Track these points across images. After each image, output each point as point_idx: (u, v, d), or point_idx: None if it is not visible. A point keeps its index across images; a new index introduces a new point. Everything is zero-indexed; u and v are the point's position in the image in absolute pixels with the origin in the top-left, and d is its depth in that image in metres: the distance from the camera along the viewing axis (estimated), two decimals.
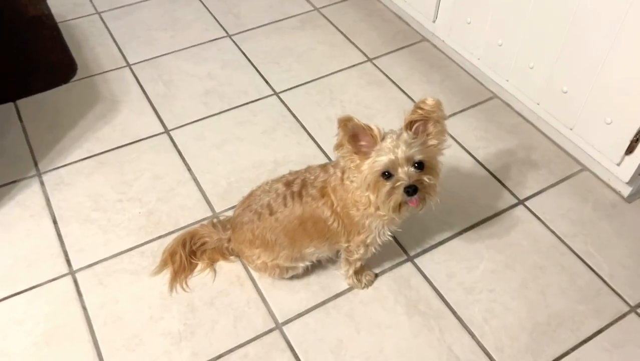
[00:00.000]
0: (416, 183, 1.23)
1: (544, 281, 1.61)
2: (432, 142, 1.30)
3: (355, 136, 1.27)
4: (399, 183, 1.24)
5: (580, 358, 1.46)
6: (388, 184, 1.25)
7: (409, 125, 1.28)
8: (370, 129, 1.26)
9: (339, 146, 1.29)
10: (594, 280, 1.61)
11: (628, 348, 1.47)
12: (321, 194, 1.41)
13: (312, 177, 1.45)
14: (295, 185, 1.45)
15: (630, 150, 1.62)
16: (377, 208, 1.34)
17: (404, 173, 1.24)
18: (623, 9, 1.48)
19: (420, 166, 1.26)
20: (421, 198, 1.26)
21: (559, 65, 1.73)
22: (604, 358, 1.45)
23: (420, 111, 1.26)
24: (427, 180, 1.26)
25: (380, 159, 1.24)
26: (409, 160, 1.24)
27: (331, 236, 1.45)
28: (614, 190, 1.83)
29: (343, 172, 1.38)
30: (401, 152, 1.23)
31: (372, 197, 1.30)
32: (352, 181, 1.35)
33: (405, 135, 1.26)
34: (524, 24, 1.80)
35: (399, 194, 1.24)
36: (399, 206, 1.28)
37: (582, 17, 1.60)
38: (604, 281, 1.61)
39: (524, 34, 1.81)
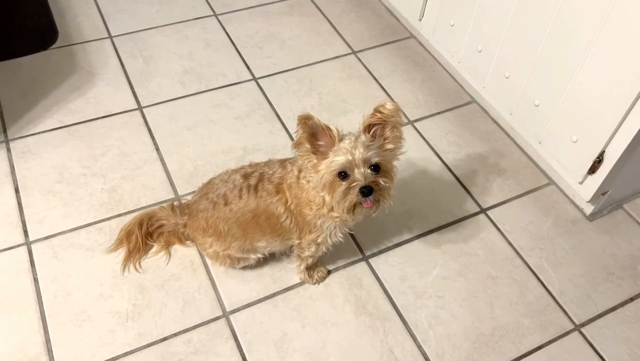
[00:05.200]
0: (371, 184, 1.25)
1: (493, 293, 1.63)
2: (389, 146, 1.31)
3: (314, 135, 1.28)
4: (354, 184, 1.25)
5: None
6: (344, 184, 1.26)
7: (367, 128, 1.29)
8: (329, 129, 1.26)
9: (297, 144, 1.29)
10: (543, 296, 1.63)
11: None
12: (277, 190, 1.42)
13: (270, 172, 1.45)
14: (253, 178, 1.45)
15: (592, 170, 1.63)
16: (331, 209, 1.35)
17: (360, 174, 1.24)
18: (596, 29, 1.46)
19: (376, 168, 1.27)
20: (375, 200, 1.28)
21: (533, 78, 1.72)
22: None
23: (378, 115, 1.27)
24: (382, 182, 1.27)
25: (337, 159, 1.25)
26: (366, 162, 1.25)
27: (283, 232, 1.46)
28: (577, 207, 1.84)
29: (300, 171, 1.39)
30: (359, 153, 1.24)
31: (328, 197, 1.31)
32: (308, 181, 1.35)
33: (363, 137, 1.27)
34: (503, 33, 1.78)
35: (354, 195, 1.25)
36: (354, 207, 1.29)
37: (558, 33, 1.59)
38: (553, 298, 1.63)
39: (502, 43, 1.80)
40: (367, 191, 1.24)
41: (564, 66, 1.59)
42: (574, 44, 1.54)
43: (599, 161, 1.60)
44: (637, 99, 1.43)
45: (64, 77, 2.08)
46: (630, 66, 1.41)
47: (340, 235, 1.45)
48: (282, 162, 1.46)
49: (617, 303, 1.63)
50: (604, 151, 1.57)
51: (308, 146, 1.27)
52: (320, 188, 1.31)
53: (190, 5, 2.45)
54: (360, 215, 1.38)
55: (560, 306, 1.61)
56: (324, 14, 2.47)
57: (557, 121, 1.69)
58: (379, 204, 1.30)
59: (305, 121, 1.24)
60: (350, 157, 1.24)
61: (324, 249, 1.49)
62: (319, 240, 1.44)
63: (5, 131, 1.89)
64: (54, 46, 2.19)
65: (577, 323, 1.58)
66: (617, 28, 1.42)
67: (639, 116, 1.45)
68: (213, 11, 2.43)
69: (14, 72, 2.08)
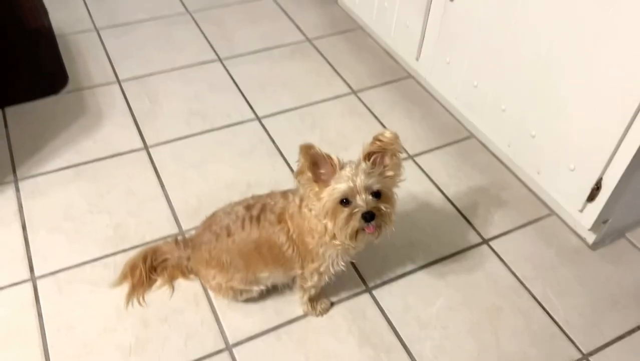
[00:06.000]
0: (373, 210, 1.27)
1: (498, 323, 1.61)
2: (389, 173, 1.33)
3: (316, 163, 1.31)
4: (356, 210, 1.27)
5: None
6: (346, 211, 1.28)
7: (367, 156, 1.32)
8: (330, 158, 1.30)
9: (299, 173, 1.32)
10: (549, 325, 1.61)
11: None
12: (279, 220, 1.44)
13: (272, 203, 1.47)
14: (255, 209, 1.47)
15: (591, 197, 1.64)
16: (333, 237, 1.36)
17: (362, 200, 1.27)
18: (587, 62, 1.52)
19: (377, 195, 1.29)
20: (377, 225, 1.29)
21: (528, 110, 1.77)
22: None
23: (378, 143, 1.30)
24: (383, 208, 1.29)
25: (339, 186, 1.28)
26: (367, 188, 1.27)
27: (285, 262, 1.47)
28: (579, 236, 1.84)
29: (301, 200, 1.41)
30: (360, 180, 1.26)
31: (330, 225, 1.32)
32: (310, 209, 1.37)
33: (363, 165, 1.30)
34: (498, 68, 1.84)
35: (357, 220, 1.27)
36: (356, 233, 1.31)
37: (549, 65, 1.64)
38: (559, 327, 1.61)
39: (497, 77, 1.86)
40: (369, 216, 1.26)
41: (556, 96, 1.64)
42: (566, 72, 1.59)
43: (597, 188, 1.61)
44: (630, 126, 1.46)
45: (73, 119, 2.15)
46: (621, 94, 1.45)
47: (343, 264, 1.45)
48: (284, 193, 1.49)
49: (624, 331, 1.61)
50: (601, 178, 1.60)
51: (310, 174, 1.30)
52: (322, 215, 1.33)
53: (196, 52, 2.54)
54: (363, 242, 1.39)
55: (567, 336, 1.59)
56: (324, 57, 2.56)
57: (554, 150, 1.72)
58: (381, 230, 1.32)
59: (307, 150, 1.27)
60: (351, 185, 1.27)
61: (327, 279, 1.50)
62: (322, 269, 1.45)
63: (14, 171, 1.94)
64: (64, 90, 2.27)
65: (585, 352, 1.56)
66: (607, 58, 1.47)
67: (633, 142, 1.48)
68: (218, 56, 2.52)
69: (25, 115, 2.15)
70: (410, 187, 1.98)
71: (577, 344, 1.57)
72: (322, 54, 2.58)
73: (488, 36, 1.84)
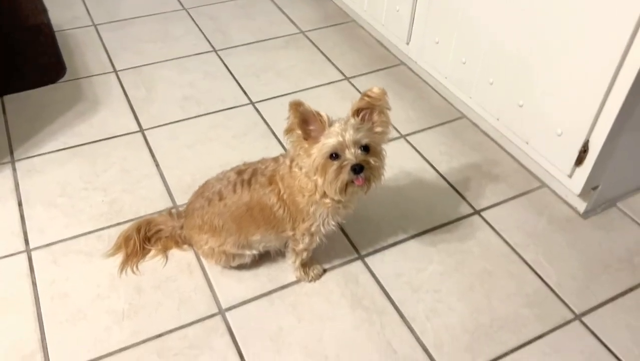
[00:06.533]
0: (362, 162, 1.29)
1: (490, 286, 1.62)
2: (378, 129, 1.36)
3: (306, 121, 1.33)
4: (346, 162, 1.29)
5: (518, 360, 1.45)
6: (336, 164, 1.30)
7: (356, 112, 1.34)
8: (319, 115, 1.32)
9: (289, 130, 1.34)
10: (541, 288, 1.62)
11: (567, 353, 1.46)
12: (269, 182, 1.46)
13: (263, 167, 1.50)
14: (246, 174, 1.50)
15: (579, 161, 1.66)
16: (323, 195, 1.38)
17: (351, 154, 1.29)
18: (570, 27, 1.55)
19: (366, 149, 1.31)
20: (366, 178, 1.32)
21: (515, 79, 1.80)
22: None
23: (367, 99, 1.33)
24: (372, 162, 1.31)
25: (328, 141, 1.30)
26: (356, 143, 1.30)
27: (277, 223, 1.48)
28: (570, 206, 1.86)
29: (292, 161, 1.43)
30: (349, 135, 1.29)
31: (320, 180, 1.34)
32: (300, 168, 1.39)
33: (352, 120, 1.32)
34: (484, 42, 1.88)
35: (346, 173, 1.29)
36: (345, 187, 1.33)
37: (533, 32, 1.68)
38: (551, 290, 1.61)
39: (484, 51, 1.89)
40: (358, 168, 1.28)
41: (541, 61, 1.67)
42: (548, 37, 1.63)
43: (584, 151, 1.63)
44: (612, 85, 1.49)
45: (70, 105, 2.19)
46: (602, 54, 1.48)
47: (333, 223, 1.47)
48: (275, 158, 1.51)
49: (616, 293, 1.61)
50: (588, 140, 1.62)
51: (299, 131, 1.33)
52: (312, 171, 1.34)
53: (191, 43, 2.59)
54: (352, 198, 1.41)
55: (559, 298, 1.59)
56: (317, 47, 2.61)
57: (541, 117, 1.74)
58: (369, 183, 1.34)
59: (296, 107, 1.30)
60: (341, 139, 1.29)
61: (318, 240, 1.51)
62: (313, 229, 1.46)
63: (12, 152, 1.97)
64: (62, 80, 2.31)
65: (578, 312, 1.56)
66: (587, 19, 1.50)
67: (616, 100, 1.50)
68: (213, 47, 2.57)
69: (24, 102, 2.19)
70: (402, 164, 2.00)
71: (570, 305, 1.57)
72: (315, 45, 2.62)
73: (473, 10, 1.89)
